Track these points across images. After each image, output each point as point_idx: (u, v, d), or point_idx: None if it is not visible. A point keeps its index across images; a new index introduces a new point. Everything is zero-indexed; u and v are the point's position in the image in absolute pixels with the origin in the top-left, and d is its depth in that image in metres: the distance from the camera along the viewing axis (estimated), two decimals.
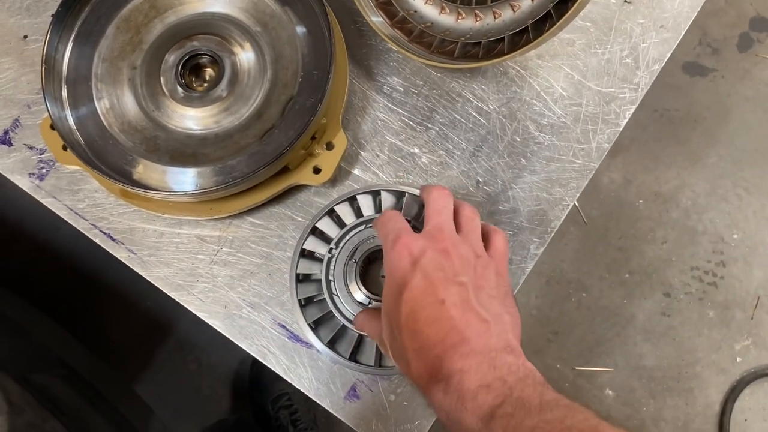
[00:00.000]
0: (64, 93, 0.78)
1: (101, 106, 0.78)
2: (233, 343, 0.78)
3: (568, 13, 0.65)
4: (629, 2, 0.87)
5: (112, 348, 1.81)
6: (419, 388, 0.56)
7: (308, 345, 0.77)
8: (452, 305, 0.54)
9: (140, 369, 1.81)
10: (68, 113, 0.77)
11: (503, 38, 0.76)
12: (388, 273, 0.59)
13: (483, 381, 0.49)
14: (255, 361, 1.81)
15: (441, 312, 0.53)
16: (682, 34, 0.85)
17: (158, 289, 0.80)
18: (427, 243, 0.57)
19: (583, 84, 0.84)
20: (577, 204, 1.84)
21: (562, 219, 0.79)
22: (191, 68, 0.80)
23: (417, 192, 0.79)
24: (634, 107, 0.82)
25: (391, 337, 0.58)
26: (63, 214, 0.82)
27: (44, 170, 0.83)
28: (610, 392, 1.81)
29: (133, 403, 1.48)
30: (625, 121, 0.82)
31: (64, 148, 0.77)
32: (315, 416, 1.71)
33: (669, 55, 0.84)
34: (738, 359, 1.82)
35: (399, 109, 0.84)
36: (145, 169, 0.76)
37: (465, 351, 0.51)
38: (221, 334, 0.79)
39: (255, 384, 1.74)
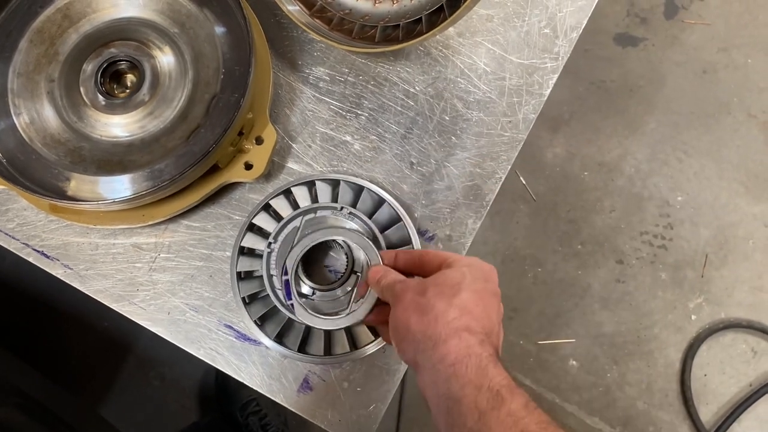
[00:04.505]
0: None
1: (20, 121, 0.77)
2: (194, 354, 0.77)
3: None
4: None
5: (73, 372, 1.77)
6: None
7: (256, 342, 0.76)
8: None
9: (104, 391, 1.77)
10: None
11: (421, 18, 0.76)
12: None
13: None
14: (219, 370, 1.79)
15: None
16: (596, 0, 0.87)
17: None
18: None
19: (505, 58, 0.85)
20: (524, 181, 1.86)
21: (496, 192, 0.80)
22: (111, 75, 0.79)
23: (352, 179, 0.79)
24: (556, 76, 0.84)
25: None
26: None
27: None
28: (574, 363, 1.83)
29: (97, 426, 1.45)
30: (549, 91, 0.83)
31: None
32: (286, 419, 1.69)
33: (585, 21, 0.85)
34: (693, 317, 1.87)
35: (327, 98, 0.84)
36: (77, 183, 0.75)
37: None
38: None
39: (221, 393, 1.72)
